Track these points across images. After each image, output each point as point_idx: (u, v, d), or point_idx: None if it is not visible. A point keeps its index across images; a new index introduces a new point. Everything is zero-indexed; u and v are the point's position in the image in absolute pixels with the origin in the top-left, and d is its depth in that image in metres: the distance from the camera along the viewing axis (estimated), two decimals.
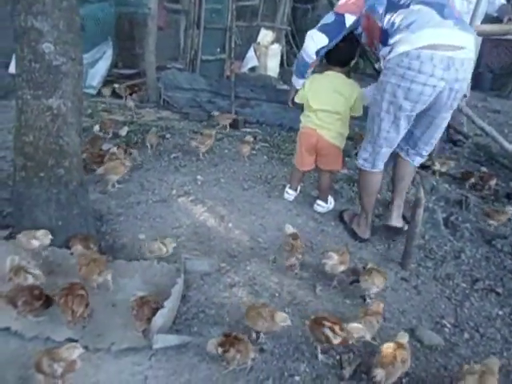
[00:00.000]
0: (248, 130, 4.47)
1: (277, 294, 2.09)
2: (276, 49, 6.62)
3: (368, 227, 2.68)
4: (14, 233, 2.21)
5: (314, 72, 2.85)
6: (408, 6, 2.20)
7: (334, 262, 2.12)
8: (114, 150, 3.10)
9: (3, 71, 4.93)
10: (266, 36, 6.61)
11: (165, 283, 2.00)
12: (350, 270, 2.18)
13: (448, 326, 2.05)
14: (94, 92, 5.19)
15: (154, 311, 1.72)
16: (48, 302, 1.79)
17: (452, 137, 4.40)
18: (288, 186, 3.05)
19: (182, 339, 1.74)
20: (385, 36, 2.28)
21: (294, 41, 8.36)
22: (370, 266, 2.15)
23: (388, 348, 1.64)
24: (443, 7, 2.17)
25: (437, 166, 3.55)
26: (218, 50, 5.98)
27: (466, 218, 2.96)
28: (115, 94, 5.08)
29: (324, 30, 2.47)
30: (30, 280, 1.84)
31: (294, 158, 3.04)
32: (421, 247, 2.64)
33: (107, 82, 5.33)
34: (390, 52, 2.25)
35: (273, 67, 6.60)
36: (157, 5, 4.86)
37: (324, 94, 2.70)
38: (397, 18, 2.20)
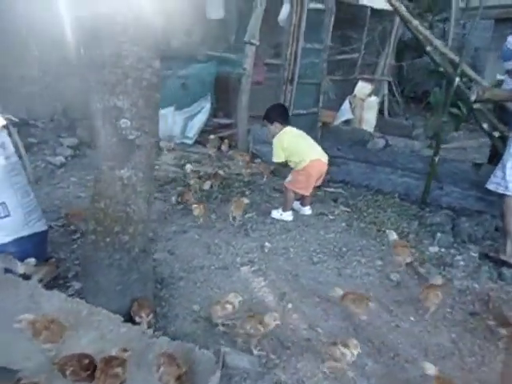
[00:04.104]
0: (331, 189, 4.25)
1: None
2: (373, 101, 6.36)
3: None
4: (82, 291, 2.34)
5: None
6: None
7: None
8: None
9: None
10: (363, 88, 6.41)
11: (203, 371, 1.87)
12: None
13: None
14: (190, 142, 5.56)
15: None
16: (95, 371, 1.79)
17: None
18: (281, 208, 3.52)
19: None
20: None
21: (396, 90, 8.01)
22: None
23: None
24: None
25: None
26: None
27: None
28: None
29: None
30: None
31: (292, 184, 3.48)
32: None
33: (203, 131, 5.68)
34: None
35: (369, 120, 6.35)
36: (252, 66, 5.08)
37: (305, 140, 3.65)
38: None
